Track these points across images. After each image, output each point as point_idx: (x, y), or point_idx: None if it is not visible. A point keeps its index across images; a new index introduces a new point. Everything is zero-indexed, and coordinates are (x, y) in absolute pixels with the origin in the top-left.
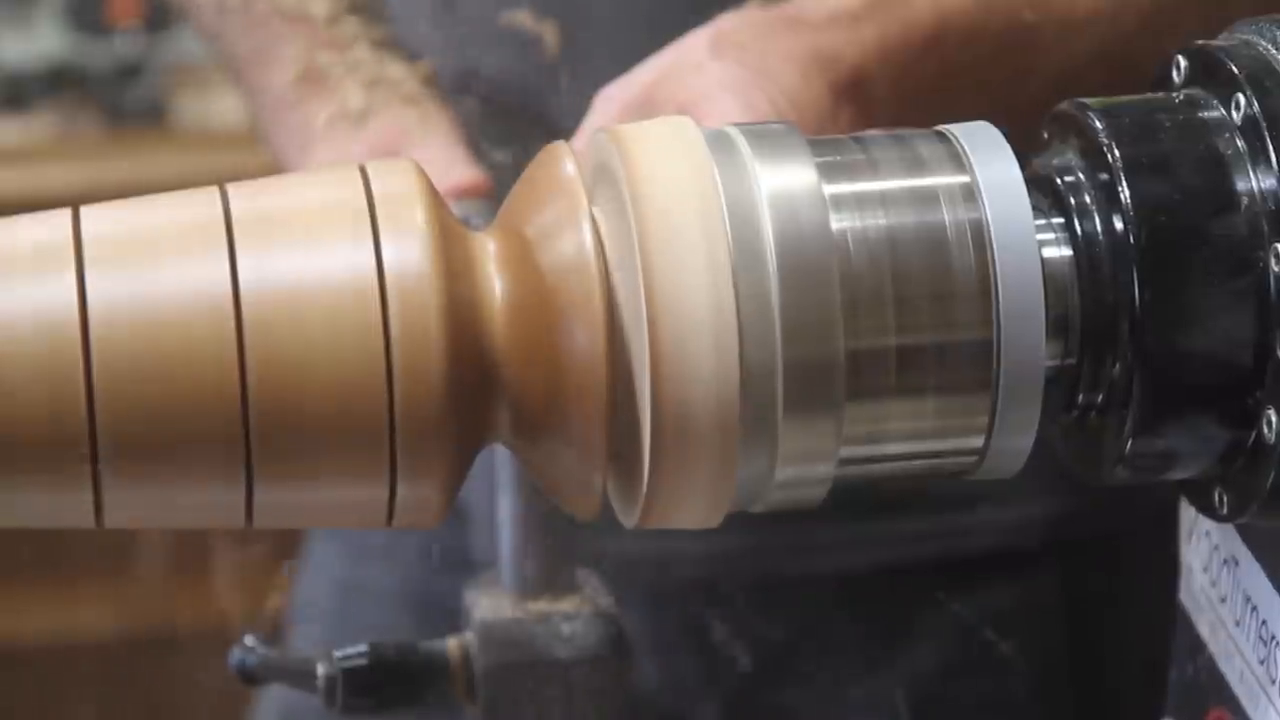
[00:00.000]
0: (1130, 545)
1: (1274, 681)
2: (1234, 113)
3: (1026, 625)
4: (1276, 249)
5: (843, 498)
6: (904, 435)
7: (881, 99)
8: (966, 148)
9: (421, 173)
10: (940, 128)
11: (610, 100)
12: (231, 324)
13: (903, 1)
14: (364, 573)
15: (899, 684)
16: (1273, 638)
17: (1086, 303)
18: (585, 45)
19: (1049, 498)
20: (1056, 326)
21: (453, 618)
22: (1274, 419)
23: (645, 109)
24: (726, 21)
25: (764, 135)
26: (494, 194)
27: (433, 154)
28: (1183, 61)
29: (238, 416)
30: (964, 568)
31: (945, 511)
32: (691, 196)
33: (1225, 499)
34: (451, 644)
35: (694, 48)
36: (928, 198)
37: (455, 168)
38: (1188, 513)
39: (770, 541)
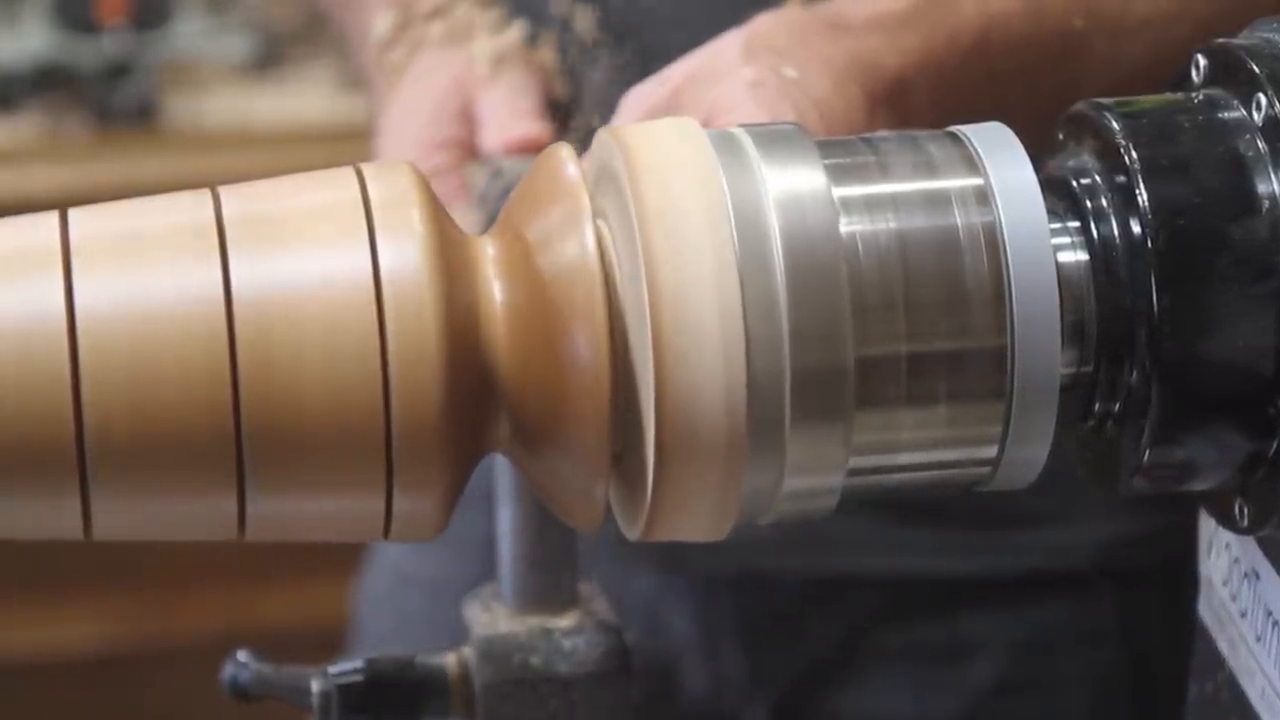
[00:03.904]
0: (1190, 571)
1: None
2: (1255, 113)
3: (1084, 646)
4: None
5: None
6: (915, 445)
7: (921, 107)
8: (979, 149)
9: (419, 175)
10: (952, 129)
11: (638, 102)
12: (223, 330)
13: (949, 6)
14: (424, 564)
15: (954, 698)
16: None
17: (1103, 308)
18: (624, 38)
19: (1105, 522)
20: (1072, 333)
21: None
22: None
23: (672, 112)
24: (763, 22)
25: (771, 137)
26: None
27: (499, 102)
28: (1202, 61)
29: (230, 425)
30: (1019, 585)
31: (994, 528)
32: (697, 199)
33: (1246, 511)
34: (450, 659)
35: (727, 50)
36: (939, 200)
37: (518, 120)
38: (1207, 525)
39: (814, 530)
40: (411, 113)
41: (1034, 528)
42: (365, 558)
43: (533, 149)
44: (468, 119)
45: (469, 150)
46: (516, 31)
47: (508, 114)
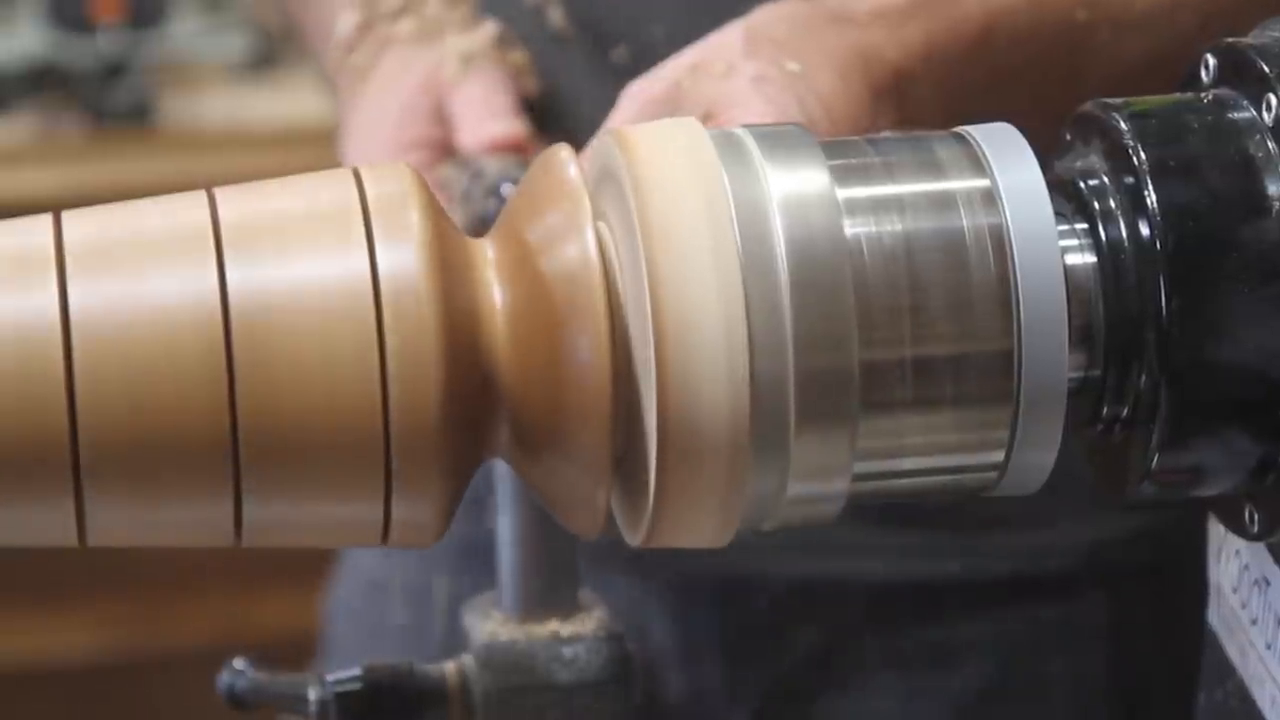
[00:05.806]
0: (1179, 574)
1: None
2: (1265, 114)
3: (1072, 649)
4: None
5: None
6: (921, 450)
7: (924, 101)
8: (986, 150)
9: (417, 176)
10: (958, 129)
11: (636, 97)
12: (220, 335)
13: None
14: (397, 572)
15: (939, 704)
16: None
17: (1111, 312)
18: (596, 32)
19: (1091, 523)
20: (1080, 337)
21: None
22: None
23: (671, 108)
24: (764, 15)
25: (775, 137)
26: (531, 151)
27: (474, 100)
28: (1212, 60)
29: (226, 431)
30: (1005, 588)
31: (979, 530)
32: (699, 201)
33: (1256, 517)
34: (449, 667)
35: (727, 45)
36: (945, 202)
37: (495, 118)
38: (1216, 531)
39: (796, 532)
40: (380, 113)
41: (1019, 530)
42: (336, 566)
43: (511, 147)
44: (440, 118)
45: (442, 150)
46: (488, 30)
47: (483, 112)
